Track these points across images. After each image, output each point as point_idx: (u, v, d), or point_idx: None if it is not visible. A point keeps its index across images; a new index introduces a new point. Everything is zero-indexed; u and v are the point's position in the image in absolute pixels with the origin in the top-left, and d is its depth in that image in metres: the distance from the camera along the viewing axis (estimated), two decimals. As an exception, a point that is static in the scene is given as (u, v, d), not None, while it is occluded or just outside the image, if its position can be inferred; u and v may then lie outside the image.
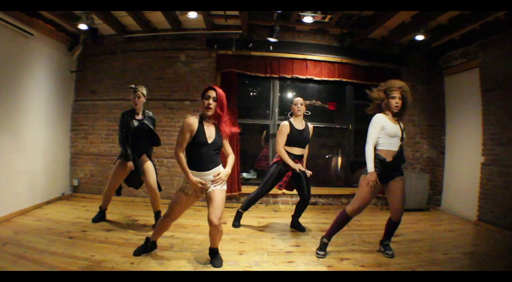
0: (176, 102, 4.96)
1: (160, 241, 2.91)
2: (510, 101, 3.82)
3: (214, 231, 2.50)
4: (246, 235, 3.46)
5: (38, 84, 4.24)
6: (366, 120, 2.94)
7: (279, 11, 4.18)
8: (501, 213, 3.81)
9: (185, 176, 2.46)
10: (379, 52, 5.10)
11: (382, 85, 2.86)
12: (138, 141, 3.43)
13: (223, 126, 2.51)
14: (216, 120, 2.50)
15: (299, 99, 3.58)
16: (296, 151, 3.54)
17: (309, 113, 3.67)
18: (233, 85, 4.80)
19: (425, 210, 4.93)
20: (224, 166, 2.58)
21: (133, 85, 3.45)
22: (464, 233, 3.84)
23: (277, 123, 4.97)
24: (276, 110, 5.06)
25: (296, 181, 3.56)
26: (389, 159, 2.76)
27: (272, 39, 4.44)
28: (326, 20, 4.48)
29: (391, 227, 2.96)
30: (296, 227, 3.73)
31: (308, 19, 4.21)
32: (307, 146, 3.65)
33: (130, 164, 3.37)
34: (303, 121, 3.61)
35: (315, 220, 4.15)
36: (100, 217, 3.72)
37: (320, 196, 5.04)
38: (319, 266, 2.71)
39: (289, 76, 4.92)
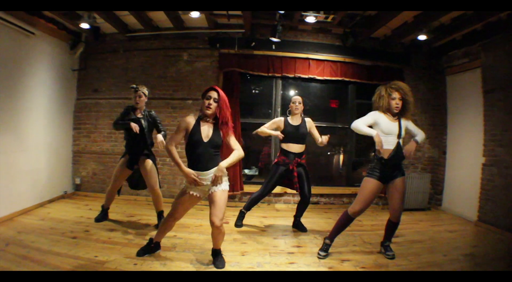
0: (179, 101, 4.96)
1: (163, 242, 2.93)
2: (512, 102, 3.81)
3: (216, 232, 2.52)
4: (248, 235, 3.48)
5: (40, 83, 4.24)
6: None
7: (282, 12, 4.16)
8: (501, 214, 3.82)
9: (178, 168, 2.47)
10: (381, 51, 5.08)
11: (383, 86, 2.88)
12: (133, 139, 3.40)
13: (223, 128, 2.50)
14: (218, 121, 2.49)
15: (297, 98, 3.59)
16: (294, 148, 3.53)
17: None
18: (236, 84, 4.80)
19: (426, 209, 4.95)
20: None
21: (134, 85, 3.45)
22: (465, 234, 3.86)
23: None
24: (278, 109, 5.05)
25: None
26: (386, 157, 2.77)
27: (274, 39, 4.43)
28: (329, 20, 4.47)
29: (391, 227, 2.98)
30: (298, 227, 3.75)
31: (310, 19, 4.20)
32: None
33: (133, 123, 3.29)
34: (300, 117, 3.61)
35: (317, 220, 4.17)
36: (103, 216, 3.74)
37: (321, 195, 5.06)
38: (320, 267, 2.74)
39: (292, 75, 4.91)
